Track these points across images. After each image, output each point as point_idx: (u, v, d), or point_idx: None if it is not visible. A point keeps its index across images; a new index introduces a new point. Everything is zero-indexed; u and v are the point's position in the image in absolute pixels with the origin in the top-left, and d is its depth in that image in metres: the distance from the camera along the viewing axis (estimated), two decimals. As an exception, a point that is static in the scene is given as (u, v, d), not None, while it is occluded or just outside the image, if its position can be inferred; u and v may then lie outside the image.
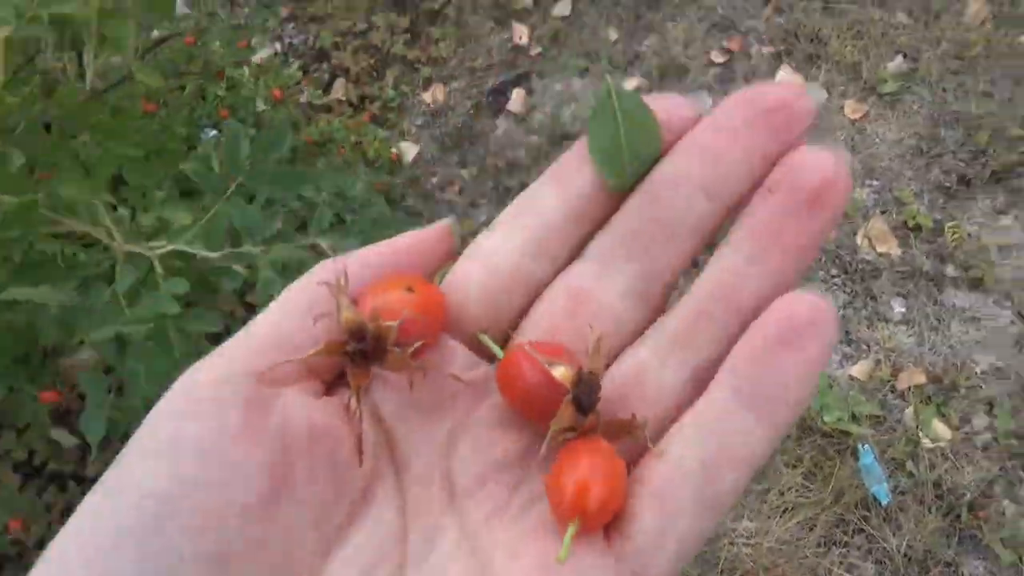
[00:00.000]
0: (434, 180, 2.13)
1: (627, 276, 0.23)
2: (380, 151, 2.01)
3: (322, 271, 0.25)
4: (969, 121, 1.91)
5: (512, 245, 0.26)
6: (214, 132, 1.97)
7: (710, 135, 0.23)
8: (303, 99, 2.19)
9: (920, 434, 1.47)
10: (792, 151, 0.22)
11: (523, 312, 0.25)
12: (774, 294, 0.22)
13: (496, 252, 0.25)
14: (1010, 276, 1.69)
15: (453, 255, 0.26)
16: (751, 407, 0.21)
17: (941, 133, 1.93)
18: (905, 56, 2.07)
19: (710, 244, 0.24)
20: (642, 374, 0.23)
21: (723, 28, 2.26)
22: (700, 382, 0.23)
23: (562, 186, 0.26)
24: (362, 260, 0.25)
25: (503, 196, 2.04)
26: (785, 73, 2.11)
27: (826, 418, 1.47)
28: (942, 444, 1.50)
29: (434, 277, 0.26)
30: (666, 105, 0.25)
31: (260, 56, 2.48)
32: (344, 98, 2.35)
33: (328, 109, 2.36)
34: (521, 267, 0.25)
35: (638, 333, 0.24)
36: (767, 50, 2.17)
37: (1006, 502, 1.45)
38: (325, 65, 2.45)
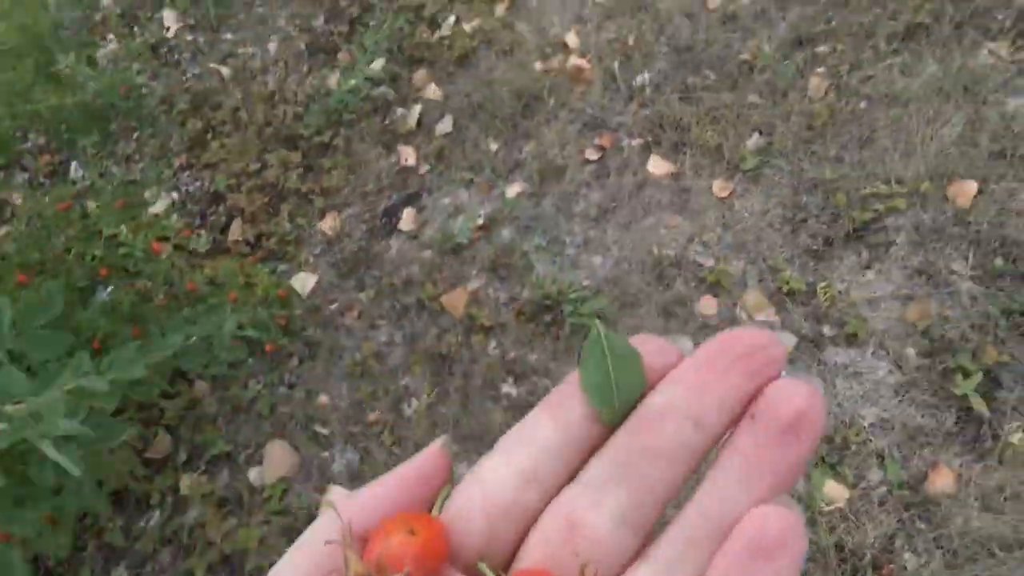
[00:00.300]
0: (333, 307, 2.14)
1: (619, 502, 0.24)
2: (268, 290, 2.02)
3: (327, 525, 0.26)
4: (826, 185, 2.01)
5: (510, 471, 0.26)
6: (109, 288, 1.98)
7: (693, 372, 0.24)
8: (194, 246, 2.21)
9: (816, 498, 1.48)
10: (771, 383, 0.24)
11: (522, 537, 0.26)
12: None
13: (496, 479, 0.26)
14: (881, 327, 1.75)
15: (450, 477, 0.27)
16: None
17: (803, 200, 2.02)
18: (761, 133, 2.19)
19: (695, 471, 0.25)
20: None
21: (594, 127, 2.37)
22: None
23: (556, 416, 0.27)
24: (364, 503, 0.26)
25: (401, 314, 2.06)
26: (655, 162, 2.21)
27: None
28: (840, 504, 1.51)
29: (436, 501, 0.27)
30: (650, 347, 0.26)
31: (156, 208, 2.52)
32: (241, 238, 2.38)
33: (226, 251, 2.38)
34: (519, 494, 0.26)
35: (630, 558, 0.25)
36: (636, 142, 2.28)
37: (907, 555, 1.45)
38: (221, 208, 2.49)
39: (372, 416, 1.85)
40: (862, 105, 2.18)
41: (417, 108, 2.60)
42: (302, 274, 2.21)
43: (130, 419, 1.90)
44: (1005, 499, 1.47)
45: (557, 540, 0.25)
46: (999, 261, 1.78)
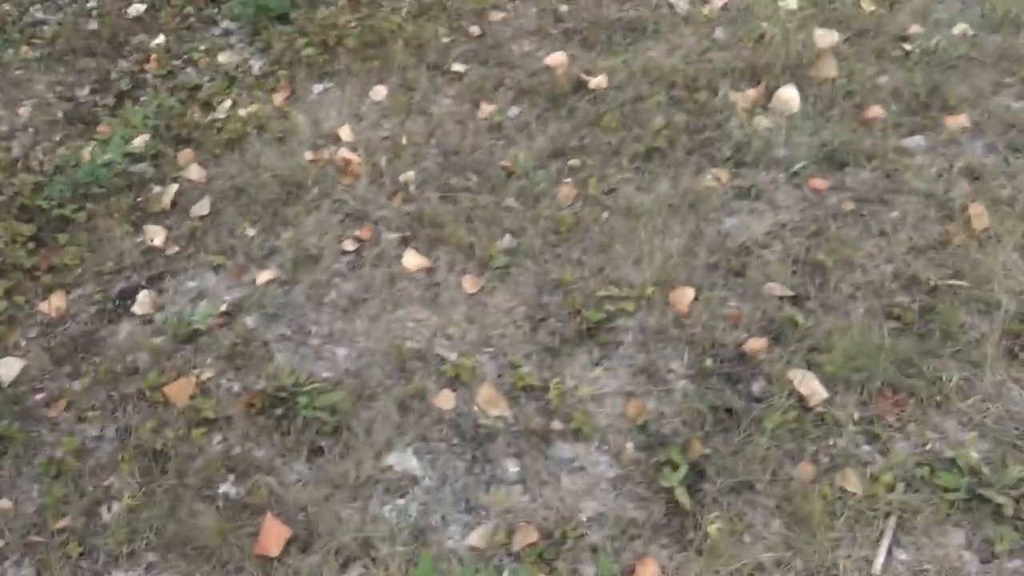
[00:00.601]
0: (39, 397, 1.89)
1: None
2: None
3: None
4: (566, 287, 2.09)
5: None
6: None
7: None
8: None
9: (523, 596, 1.45)
10: None
11: None
12: None
13: None
14: (604, 423, 1.80)
15: None
16: None
17: (545, 299, 2.09)
18: (512, 234, 2.27)
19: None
20: None
21: (356, 219, 2.35)
22: None
23: None
24: None
25: (117, 405, 1.86)
26: (410, 256, 2.21)
27: (430, 598, 1.40)
28: (551, 601, 1.49)
29: None
30: None
31: None
32: (-56, 316, 2.08)
33: (-76, 329, 2.06)
34: None
35: None
36: (395, 236, 2.28)
37: (611, 650, 1.45)
38: (-75, 282, 2.17)
39: (59, 523, 1.62)
40: (604, 215, 2.33)
41: (174, 188, 2.46)
42: (8, 359, 1.95)
43: None
44: (701, 589, 1.52)
45: None
46: (709, 361, 1.92)
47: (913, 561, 1.59)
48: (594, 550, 1.59)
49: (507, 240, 2.26)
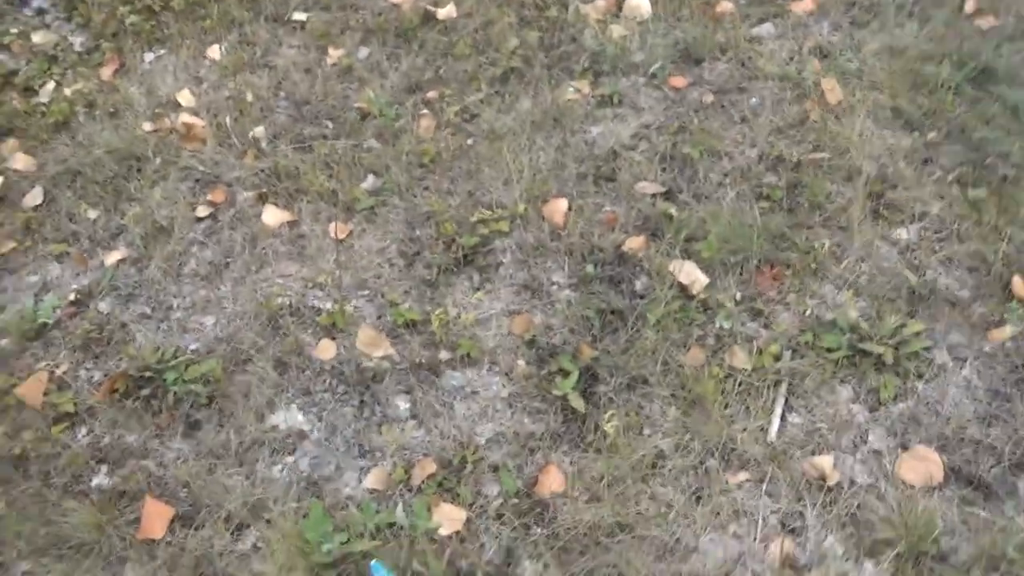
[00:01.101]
0: None
1: None
2: None
3: None
4: (437, 217, 2.02)
5: None
6: None
7: None
8: None
9: (423, 528, 1.40)
10: None
11: None
12: None
13: None
14: (492, 344, 1.76)
15: None
16: None
17: (417, 233, 2.01)
18: (375, 174, 2.17)
19: None
20: None
21: (207, 183, 2.20)
22: None
23: None
24: None
25: (-36, 417, 1.69)
26: (270, 212, 2.08)
27: (326, 547, 1.33)
28: (457, 528, 1.45)
29: None
30: None
31: None
32: None
33: None
34: None
35: None
36: (250, 194, 2.15)
37: (525, 562, 1.42)
38: None
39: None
40: (468, 141, 2.26)
41: (-2, 181, 2.24)
42: None
43: None
44: (606, 486, 1.51)
45: None
46: (590, 268, 1.90)
47: (806, 423, 1.62)
48: (495, 469, 1.55)
49: (370, 181, 2.16)
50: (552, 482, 1.51)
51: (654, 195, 2.06)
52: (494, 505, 1.49)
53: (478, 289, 1.88)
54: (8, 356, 1.78)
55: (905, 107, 2.23)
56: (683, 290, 1.83)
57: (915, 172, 2.07)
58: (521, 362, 1.73)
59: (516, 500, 1.49)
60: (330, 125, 2.37)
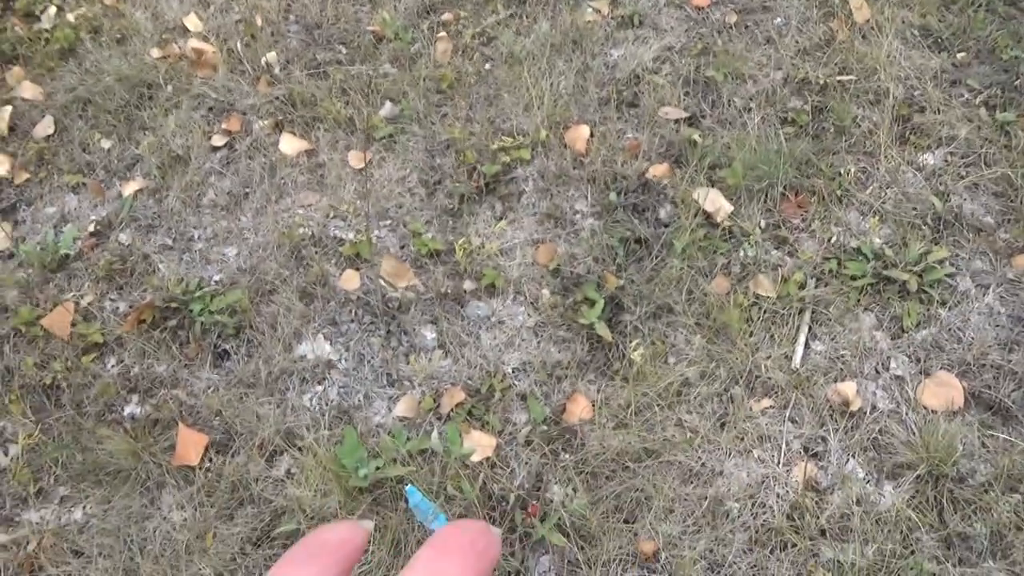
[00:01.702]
0: (-96, 356, 1.71)
1: None
2: None
3: None
4: (457, 145, 1.98)
5: None
6: None
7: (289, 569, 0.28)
8: None
9: (457, 453, 1.42)
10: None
11: None
12: None
13: None
14: (516, 274, 1.74)
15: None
16: None
17: (437, 161, 1.97)
18: (393, 101, 2.11)
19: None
20: None
21: (220, 111, 2.15)
22: None
23: None
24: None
25: (-6, 349, 1.70)
26: (287, 141, 2.04)
27: (362, 472, 1.35)
28: (488, 454, 1.46)
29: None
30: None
31: None
32: None
33: None
34: None
35: None
36: (266, 123, 2.09)
37: (554, 487, 1.45)
38: None
39: (-44, 476, 1.49)
40: (486, 66, 2.19)
41: (7, 110, 2.19)
42: None
43: None
44: (632, 413, 1.52)
45: None
46: (613, 196, 1.86)
47: (829, 350, 1.62)
48: (523, 398, 1.56)
49: (388, 107, 2.11)
50: (579, 410, 1.52)
51: (677, 121, 2.01)
52: (523, 432, 1.51)
53: (501, 218, 1.85)
54: (31, 287, 1.77)
55: (934, 25, 2.15)
56: (708, 218, 1.80)
57: (943, 94, 2.01)
58: (546, 292, 1.72)
59: (544, 427, 1.51)
60: (343, 50, 2.29)
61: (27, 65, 2.36)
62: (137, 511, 1.42)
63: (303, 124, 2.09)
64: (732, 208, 1.82)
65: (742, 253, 1.75)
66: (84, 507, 1.43)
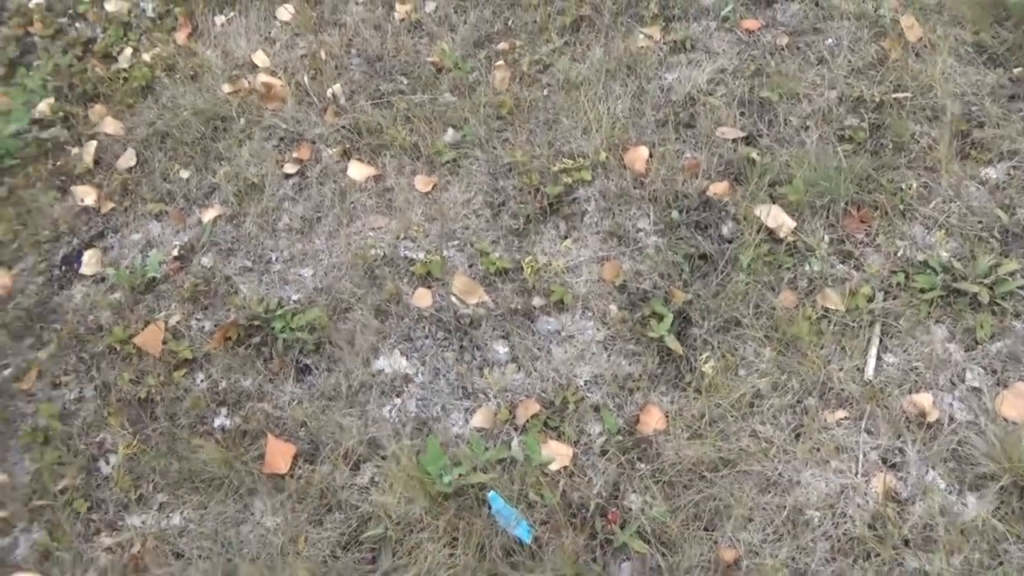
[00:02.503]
0: (7, 373, 1.80)
1: None
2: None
3: None
4: (519, 168, 2.04)
5: None
6: None
7: None
8: None
9: (537, 461, 1.45)
10: None
11: None
12: None
13: None
14: (584, 291, 1.79)
15: None
16: None
17: (500, 184, 2.04)
18: (455, 127, 2.19)
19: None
20: None
21: (291, 141, 2.24)
22: None
23: None
24: None
25: (89, 366, 1.78)
26: (355, 167, 2.12)
27: (446, 479, 1.39)
28: (565, 463, 1.50)
29: None
30: None
31: None
32: None
33: None
34: None
35: None
36: (335, 151, 2.18)
37: (631, 496, 1.47)
38: None
39: (60, 484, 1.56)
40: (544, 92, 2.26)
41: (92, 145, 2.31)
42: (-39, 345, 1.84)
43: None
44: (707, 424, 1.54)
45: None
46: (675, 214, 1.90)
47: (901, 362, 1.63)
48: (596, 409, 1.59)
49: (450, 134, 2.18)
50: (653, 421, 1.55)
51: (735, 140, 2.05)
52: (598, 443, 1.54)
53: (565, 237, 1.90)
54: (122, 309, 1.86)
55: (988, 42, 2.17)
56: (771, 234, 1.83)
57: (1001, 109, 2.02)
58: (613, 307, 1.76)
59: (619, 438, 1.53)
60: (405, 80, 2.38)
61: (108, 103, 2.50)
62: (232, 516, 1.48)
63: (369, 151, 2.17)
64: (795, 224, 1.84)
65: (808, 267, 1.77)
66: (182, 512, 1.49)
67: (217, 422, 1.64)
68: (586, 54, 2.34)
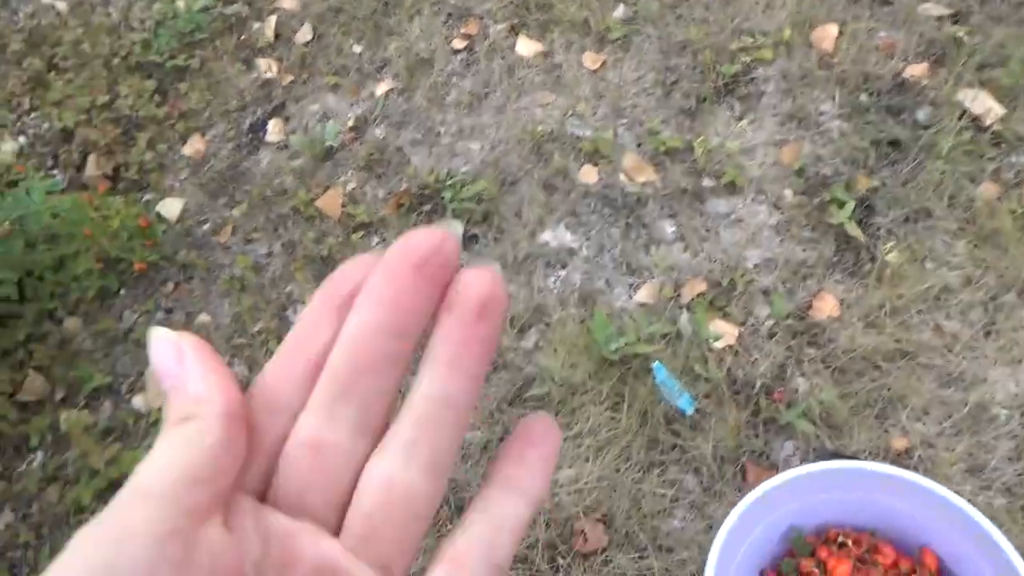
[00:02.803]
0: (205, 227, 1.97)
1: (351, 418, 0.25)
2: (126, 220, 1.84)
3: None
4: (693, 45, 1.94)
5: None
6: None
7: (384, 287, 0.25)
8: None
9: (704, 337, 1.44)
10: (460, 274, 0.25)
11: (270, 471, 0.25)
12: (471, 389, 0.25)
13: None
14: (758, 174, 1.71)
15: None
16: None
17: (672, 62, 1.95)
18: (625, 3, 2.10)
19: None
20: (391, 479, 0.25)
21: (458, 16, 2.23)
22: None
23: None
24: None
25: (277, 224, 1.91)
26: (523, 43, 2.09)
27: (612, 346, 1.41)
28: (730, 341, 1.48)
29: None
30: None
31: (4, 154, 2.26)
32: (98, 172, 2.16)
33: (84, 187, 2.16)
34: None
35: (365, 456, 0.25)
36: (503, 26, 2.16)
37: (798, 379, 1.44)
38: (73, 145, 2.25)
39: (256, 327, 1.71)
40: (724, -34, 2.11)
41: (273, 19, 2.40)
42: (168, 200, 2.02)
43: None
44: (886, 315, 1.47)
45: (308, 466, 0.25)
46: (864, 97, 1.77)
47: (1117, 263, 1.46)
48: (766, 292, 1.55)
49: (622, 9, 2.10)
50: (827, 307, 1.49)
51: (940, 18, 1.84)
52: (766, 325, 1.50)
53: (740, 118, 1.81)
54: (304, 174, 1.97)
55: None
56: (974, 120, 1.66)
57: None
58: (788, 191, 1.67)
59: (789, 322, 1.49)
60: (574, -46, 2.29)
61: (285, -22, 2.57)
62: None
63: (538, 27, 2.13)
64: (1004, 111, 1.66)
65: (1014, 159, 1.61)
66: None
67: (392, 281, 1.73)
68: (772, -76, 2.15)
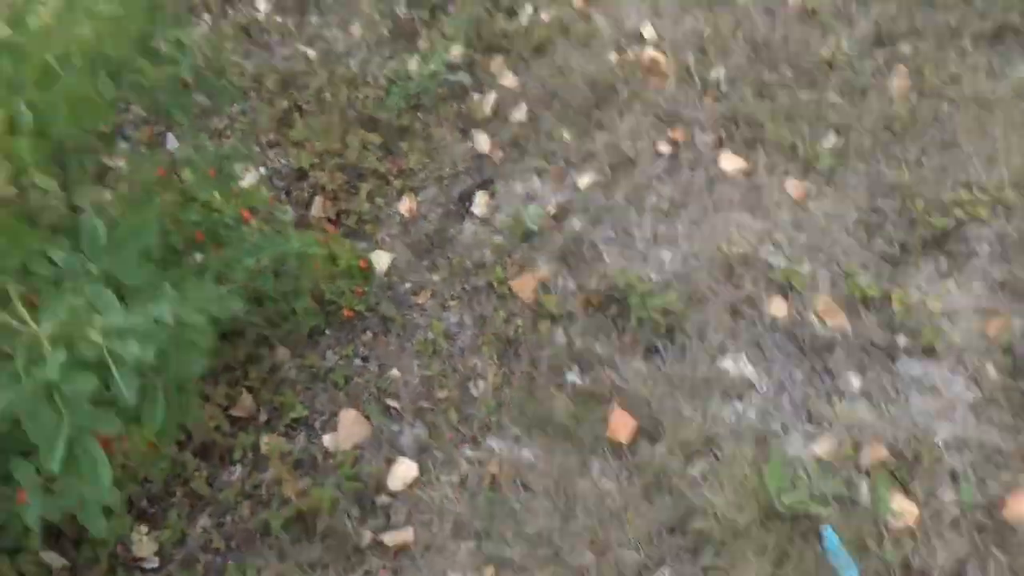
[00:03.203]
0: (407, 286, 2.06)
1: None
2: (350, 260, 1.96)
3: None
4: (903, 190, 1.83)
5: None
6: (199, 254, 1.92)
7: None
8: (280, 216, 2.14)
9: (883, 512, 1.34)
10: None
11: None
12: None
13: None
14: (960, 341, 1.58)
15: None
16: None
17: (879, 203, 1.84)
18: (837, 133, 2.00)
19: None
20: None
21: (667, 120, 2.22)
22: None
23: None
24: None
25: (471, 296, 1.97)
26: (727, 158, 2.05)
27: (785, 499, 1.34)
28: (909, 523, 1.37)
29: None
30: None
31: (245, 182, 2.46)
32: (323, 214, 2.31)
33: (309, 226, 2.31)
34: None
35: None
36: (709, 137, 2.12)
37: (981, 580, 1.31)
38: (305, 184, 2.42)
39: (441, 393, 1.77)
40: (944, 108, 1.97)
41: (492, 95, 2.47)
42: (379, 252, 2.13)
43: (215, 378, 1.86)
44: (1089, 530, 1.30)
45: None
46: (1090, 278, 1.59)
47: None
48: (953, 475, 1.42)
49: (832, 139, 2.00)
50: (1021, 508, 1.34)
51: None
52: (949, 512, 1.38)
53: (947, 276, 1.68)
54: (503, 252, 2.01)
55: None
56: None
57: None
58: (992, 368, 1.53)
59: (975, 514, 1.36)
60: (789, 72, 2.21)
61: (507, 55, 2.64)
62: (573, 468, 1.57)
63: (744, 143, 2.07)
64: None
65: None
66: (531, 450, 1.61)
67: (570, 378, 1.74)
68: (1005, 70, 1.99)
